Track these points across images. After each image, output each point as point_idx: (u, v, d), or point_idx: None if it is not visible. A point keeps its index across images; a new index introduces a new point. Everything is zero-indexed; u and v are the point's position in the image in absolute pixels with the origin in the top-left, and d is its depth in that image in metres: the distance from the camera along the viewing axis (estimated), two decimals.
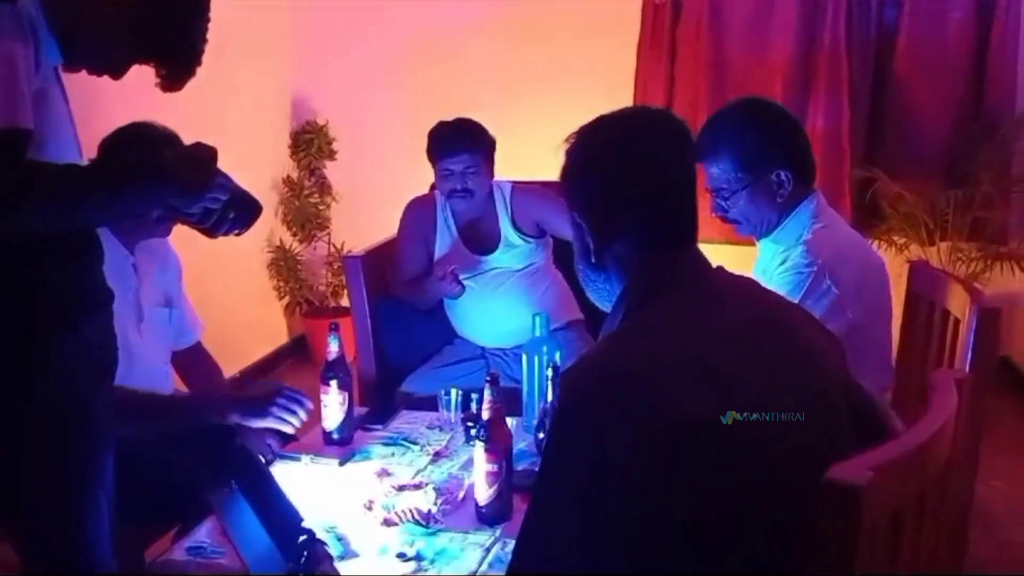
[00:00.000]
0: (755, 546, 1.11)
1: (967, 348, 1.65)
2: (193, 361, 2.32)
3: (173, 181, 1.46)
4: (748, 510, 1.11)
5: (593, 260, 1.29)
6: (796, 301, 1.75)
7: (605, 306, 1.34)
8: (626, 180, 1.26)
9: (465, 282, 2.75)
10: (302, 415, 2.04)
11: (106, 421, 1.55)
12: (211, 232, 1.61)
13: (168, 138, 2.00)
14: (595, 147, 1.29)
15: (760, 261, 2.02)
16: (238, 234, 1.65)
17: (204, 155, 1.50)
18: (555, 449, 1.17)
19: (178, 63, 1.52)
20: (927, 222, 3.84)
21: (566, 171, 1.31)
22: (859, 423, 1.25)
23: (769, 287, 1.75)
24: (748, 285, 1.34)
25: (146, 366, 2.06)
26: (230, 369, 2.83)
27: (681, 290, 1.24)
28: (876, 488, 0.95)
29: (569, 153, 1.31)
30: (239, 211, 1.61)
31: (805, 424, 1.15)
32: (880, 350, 1.92)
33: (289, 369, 4.35)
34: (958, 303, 1.84)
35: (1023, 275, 3.84)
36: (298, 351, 4.45)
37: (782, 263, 1.89)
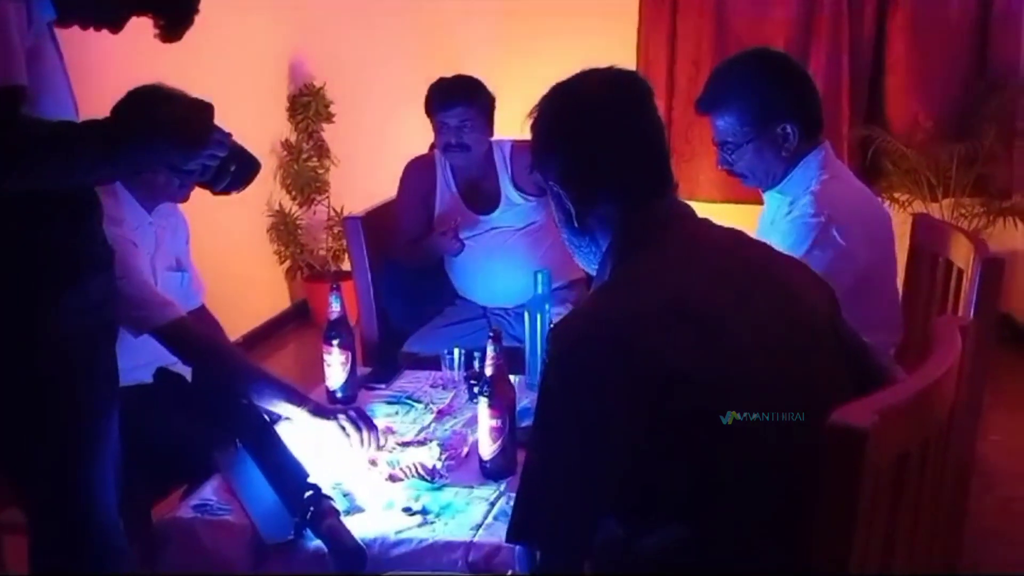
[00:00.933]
0: (746, 489, 1.14)
1: (970, 297, 1.65)
2: (198, 323, 2.32)
3: (168, 138, 1.45)
4: (738, 453, 1.13)
5: (576, 225, 1.31)
6: (803, 251, 1.75)
7: (593, 269, 1.35)
8: (593, 142, 1.27)
9: (466, 242, 2.73)
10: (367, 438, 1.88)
11: (110, 382, 1.55)
12: (212, 187, 1.60)
13: (171, 97, 1.98)
14: (558, 116, 1.30)
15: (766, 213, 2.01)
16: (238, 190, 1.64)
17: (199, 111, 1.49)
18: (547, 401, 1.19)
19: (176, 13, 1.50)
20: (930, 178, 3.83)
21: (535, 143, 1.33)
22: (857, 371, 1.27)
23: (775, 239, 1.75)
24: (733, 234, 1.35)
25: None
26: (232, 334, 2.83)
27: (664, 240, 1.26)
28: (881, 432, 0.96)
29: (534, 126, 1.33)
30: (238, 167, 1.60)
31: (793, 367, 1.18)
32: (888, 304, 1.91)
33: (291, 333, 4.36)
34: (961, 254, 1.84)
35: None
36: (300, 316, 4.45)
37: (788, 213, 1.88)
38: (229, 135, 1.54)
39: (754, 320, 1.19)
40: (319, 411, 1.91)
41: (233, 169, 1.58)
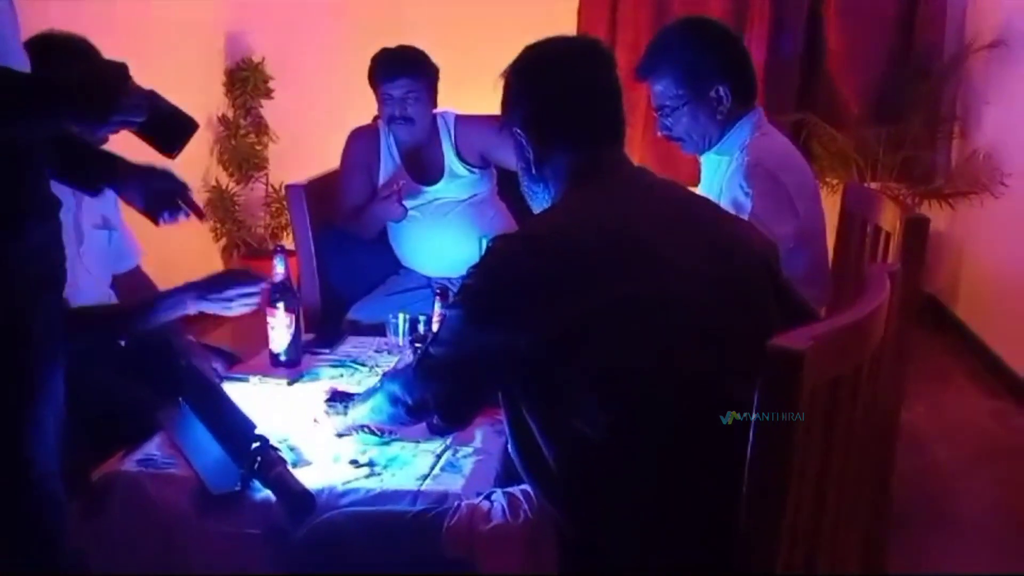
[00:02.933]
0: (658, 405, 1.24)
1: (898, 253, 1.73)
2: (134, 285, 2.29)
3: (70, 104, 1.37)
4: (652, 368, 1.24)
5: (533, 171, 1.45)
6: (749, 197, 1.83)
7: None
8: (554, 92, 1.43)
9: (410, 213, 2.75)
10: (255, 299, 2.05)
11: (52, 335, 1.52)
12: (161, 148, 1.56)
13: (83, 52, 1.90)
14: (527, 68, 1.45)
15: (704, 175, 2.08)
16: (173, 154, 1.59)
17: (110, 75, 1.40)
18: (464, 285, 1.36)
19: None
20: (858, 161, 3.96)
21: (506, 93, 1.47)
22: (786, 308, 1.37)
23: (715, 195, 1.81)
24: (672, 183, 1.48)
25: (88, 287, 2.03)
26: None
27: (605, 178, 1.40)
28: (817, 355, 1.01)
29: (506, 78, 1.47)
30: (169, 128, 1.54)
31: (720, 295, 1.29)
32: (821, 261, 1.99)
33: None
34: (889, 218, 1.92)
35: (949, 215, 3.99)
36: None
37: (728, 169, 1.94)
38: (152, 95, 1.48)
39: (682, 251, 1.30)
40: (206, 296, 2.02)
41: (164, 132, 1.52)
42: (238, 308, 2.05)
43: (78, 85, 1.38)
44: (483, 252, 1.37)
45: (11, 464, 1.46)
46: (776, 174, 1.87)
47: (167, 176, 1.86)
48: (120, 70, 1.41)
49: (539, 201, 1.49)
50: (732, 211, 1.81)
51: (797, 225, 1.86)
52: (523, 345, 1.27)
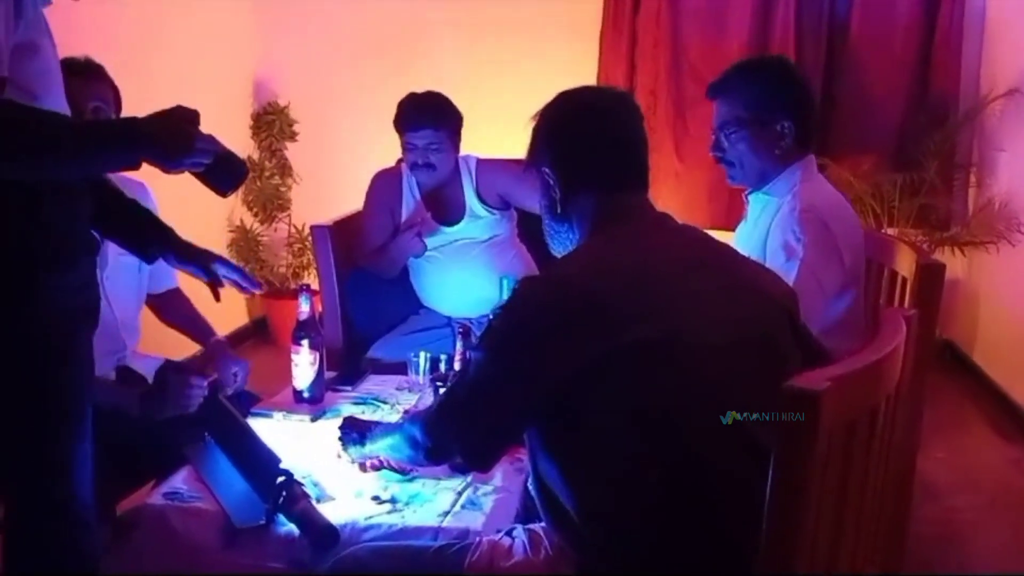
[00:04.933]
0: (678, 447, 1.26)
1: (913, 297, 1.76)
2: (171, 302, 2.37)
3: (150, 143, 1.47)
4: (673, 411, 1.26)
5: (558, 210, 1.48)
6: (799, 243, 1.84)
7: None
8: (584, 137, 1.47)
9: (431, 253, 2.80)
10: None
11: (88, 367, 1.57)
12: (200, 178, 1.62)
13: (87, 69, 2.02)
14: (559, 111, 1.50)
15: (751, 214, 2.08)
16: (224, 194, 1.67)
17: (185, 118, 1.50)
18: (490, 329, 1.41)
19: None
20: (875, 207, 3.98)
21: (536, 134, 1.51)
22: (807, 355, 1.39)
23: (760, 236, 1.85)
24: (693, 229, 1.51)
25: (111, 314, 2.06)
26: (190, 349, 2.84)
27: (630, 223, 1.44)
28: (834, 397, 1.03)
29: (538, 119, 1.51)
30: (226, 171, 1.62)
31: (740, 339, 1.31)
32: (857, 311, 1.97)
33: (249, 349, 4.34)
34: (905, 263, 1.94)
35: (965, 261, 4.01)
36: (259, 331, 4.45)
37: (776, 210, 1.94)
38: (214, 140, 1.56)
39: (703, 296, 1.33)
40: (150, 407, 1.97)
41: (222, 173, 1.60)
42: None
43: (157, 128, 1.48)
44: (509, 294, 1.40)
45: (54, 495, 1.50)
46: (827, 222, 1.87)
47: (222, 260, 1.99)
48: (193, 115, 1.51)
49: (561, 241, 1.52)
50: (781, 253, 1.86)
51: (843, 274, 1.86)
52: (547, 387, 1.29)
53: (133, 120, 1.49)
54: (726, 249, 1.50)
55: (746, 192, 2.09)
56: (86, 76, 2.00)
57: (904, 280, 1.94)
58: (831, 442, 1.07)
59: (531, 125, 1.52)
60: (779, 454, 1.05)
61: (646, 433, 1.26)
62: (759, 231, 1.96)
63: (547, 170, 1.48)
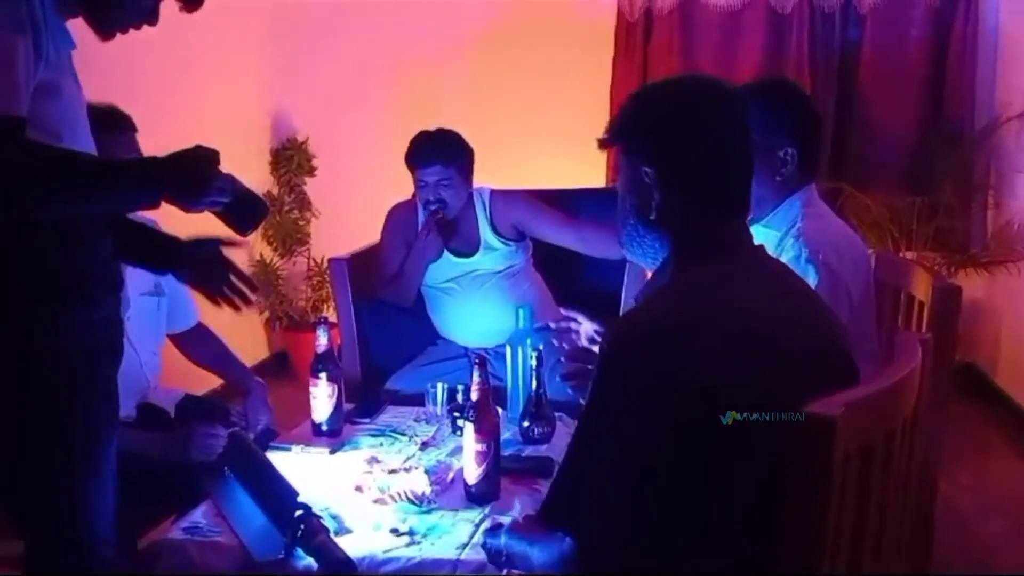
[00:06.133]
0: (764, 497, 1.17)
1: (930, 321, 1.75)
2: (198, 341, 2.39)
3: (169, 184, 1.48)
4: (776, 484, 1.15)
5: (652, 217, 1.30)
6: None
7: (648, 264, 1.38)
8: (708, 144, 1.29)
9: (447, 284, 2.82)
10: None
11: (110, 404, 1.58)
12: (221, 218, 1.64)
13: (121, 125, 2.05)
14: (681, 101, 1.32)
15: None
16: (244, 234, 1.70)
17: (203, 157, 1.51)
18: (596, 393, 1.23)
19: None
20: (892, 231, 3.97)
21: (641, 122, 1.33)
22: None
23: None
24: (781, 265, 1.43)
25: (134, 355, 2.09)
26: (211, 383, 2.86)
27: (728, 257, 1.30)
28: (849, 421, 1.03)
29: (643, 100, 1.35)
30: (245, 211, 1.63)
31: (830, 382, 1.19)
32: (870, 338, 1.94)
33: (270, 383, 4.31)
34: (921, 286, 1.94)
35: (986, 283, 3.98)
36: (279, 365, 4.47)
37: (777, 246, 1.90)
38: (234, 179, 1.58)
39: (799, 349, 1.25)
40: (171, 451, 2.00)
41: (240, 212, 1.61)
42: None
43: (176, 167, 1.49)
44: (605, 350, 1.24)
45: (73, 532, 1.52)
46: (832, 265, 1.81)
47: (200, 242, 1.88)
48: (212, 155, 1.52)
49: (644, 250, 1.35)
50: None
51: (851, 312, 1.82)
52: (659, 439, 1.18)
53: (153, 159, 1.51)
54: (805, 287, 1.43)
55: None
56: (118, 130, 2.02)
57: (921, 304, 1.94)
58: (847, 468, 1.07)
59: (626, 107, 1.35)
60: (794, 480, 1.05)
61: (747, 479, 1.19)
62: None
63: (648, 169, 1.28)
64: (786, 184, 1.93)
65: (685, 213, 1.30)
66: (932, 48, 4.08)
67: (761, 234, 2.00)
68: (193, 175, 1.50)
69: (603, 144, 1.37)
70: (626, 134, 1.34)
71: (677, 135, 1.30)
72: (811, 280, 1.80)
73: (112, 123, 1.99)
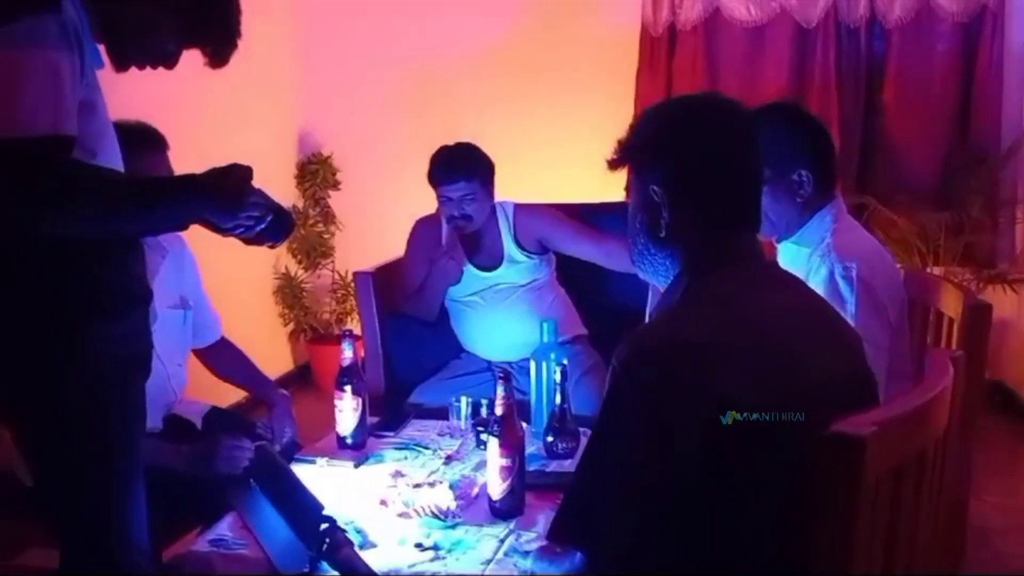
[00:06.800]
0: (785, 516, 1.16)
1: (960, 338, 1.73)
2: (222, 355, 2.40)
3: (207, 198, 1.51)
4: (783, 489, 1.16)
5: (663, 235, 1.31)
6: (846, 312, 1.77)
7: (659, 282, 1.38)
8: (710, 157, 1.30)
9: (470, 297, 2.83)
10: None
11: (140, 414, 1.60)
12: (248, 241, 1.66)
13: (154, 142, 2.08)
14: (682, 122, 1.34)
15: (781, 261, 1.99)
16: (273, 246, 1.71)
17: (239, 174, 1.54)
18: (609, 408, 1.22)
19: (220, 41, 1.59)
20: (920, 247, 3.94)
21: (647, 142, 1.34)
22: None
23: None
24: (792, 277, 1.42)
25: (159, 367, 2.10)
26: (236, 395, 2.88)
27: (739, 270, 1.29)
28: (879, 441, 1.02)
29: (648, 123, 1.36)
30: (276, 224, 1.64)
31: (850, 396, 1.22)
32: (904, 354, 1.92)
33: (293, 395, 4.36)
34: (951, 303, 1.92)
35: (1014, 299, 3.93)
36: (302, 377, 4.50)
37: (808, 265, 1.89)
38: (265, 195, 1.59)
39: (815, 362, 1.23)
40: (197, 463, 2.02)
41: (271, 225, 1.62)
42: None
43: (214, 183, 1.51)
44: (616, 368, 1.22)
45: (109, 542, 1.53)
46: (871, 283, 1.81)
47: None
48: (247, 172, 1.54)
49: (655, 268, 1.36)
50: None
51: (890, 331, 1.82)
52: (673, 458, 1.17)
53: (190, 177, 1.53)
54: (819, 298, 1.42)
55: (775, 239, 2.03)
56: (150, 148, 2.04)
57: (951, 321, 1.92)
58: (878, 488, 1.05)
59: (635, 127, 1.36)
60: (822, 503, 1.04)
61: (766, 499, 1.18)
62: None
63: (656, 188, 1.30)
64: (809, 203, 1.93)
65: (694, 228, 1.30)
66: (959, 63, 4.05)
67: (791, 251, 1.99)
68: (230, 192, 1.53)
69: (612, 164, 1.38)
70: (634, 154, 1.36)
71: (683, 154, 1.31)
72: (847, 297, 1.79)
73: (145, 141, 2.02)
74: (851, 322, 1.74)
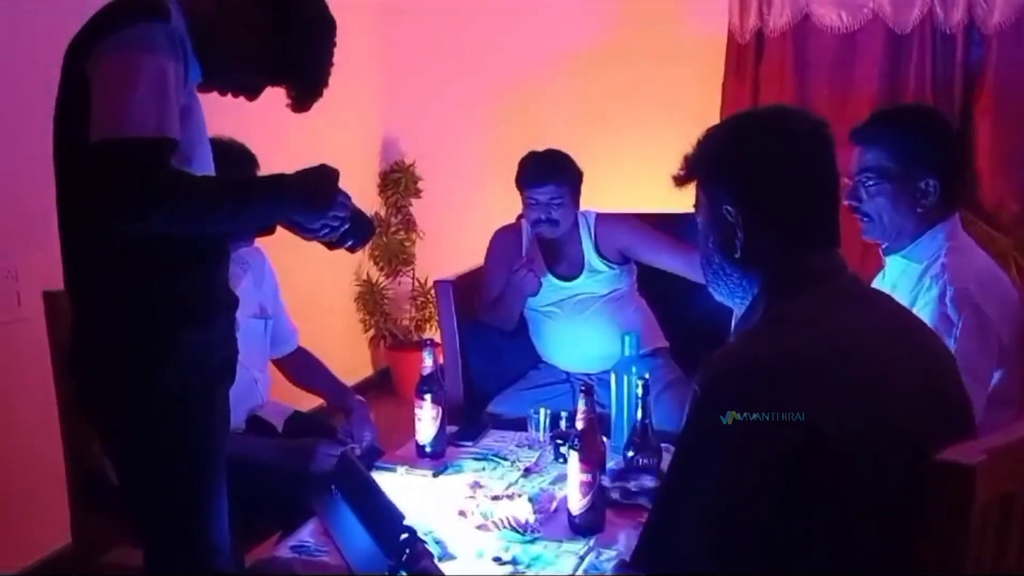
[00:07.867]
0: (879, 546, 1.12)
1: None
2: (299, 363, 2.44)
3: (297, 198, 1.55)
4: (875, 517, 1.11)
5: (738, 256, 1.27)
6: (952, 334, 1.70)
7: (735, 304, 1.33)
8: (786, 174, 1.24)
9: (549, 307, 2.81)
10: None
11: (226, 419, 1.63)
12: (330, 246, 1.68)
13: (244, 159, 2.14)
14: (754, 138, 1.28)
15: (888, 277, 1.95)
16: (353, 250, 1.73)
17: (328, 175, 1.58)
18: (692, 433, 1.19)
19: (307, 86, 1.62)
20: (1019, 261, 3.77)
21: (717, 161, 1.30)
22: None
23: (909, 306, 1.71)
24: (880, 294, 1.36)
25: (242, 375, 2.14)
26: (314, 401, 2.92)
27: (821, 288, 1.24)
28: (988, 470, 0.97)
29: (716, 140, 1.31)
30: (357, 228, 1.68)
31: (937, 416, 1.17)
32: (1015, 380, 1.82)
33: (372, 400, 4.39)
34: None
35: None
36: (382, 383, 4.54)
37: (918, 279, 1.82)
38: (349, 197, 1.63)
39: (901, 383, 1.18)
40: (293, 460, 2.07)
41: (353, 229, 1.66)
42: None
43: (304, 181, 1.55)
44: (699, 391, 1.18)
45: (194, 545, 1.56)
46: (981, 306, 1.72)
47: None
48: (334, 173, 1.58)
49: (730, 289, 1.31)
50: None
51: (999, 355, 1.74)
52: (759, 487, 1.12)
53: (280, 176, 1.56)
54: (910, 315, 1.36)
55: (882, 247, 1.96)
56: (240, 165, 2.09)
57: None
58: (985, 520, 1.00)
59: (703, 143, 1.31)
60: (930, 533, 0.99)
61: (852, 519, 1.12)
62: (898, 299, 1.82)
63: (730, 208, 1.25)
64: (927, 215, 1.84)
65: (772, 249, 1.25)
66: None
67: (900, 265, 1.91)
68: (319, 190, 1.56)
69: (678, 181, 1.33)
70: (703, 172, 1.31)
71: (755, 171, 1.26)
72: (955, 321, 1.71)
73: (235, 158, 2.07)
74: (952, 346, 1.67)
